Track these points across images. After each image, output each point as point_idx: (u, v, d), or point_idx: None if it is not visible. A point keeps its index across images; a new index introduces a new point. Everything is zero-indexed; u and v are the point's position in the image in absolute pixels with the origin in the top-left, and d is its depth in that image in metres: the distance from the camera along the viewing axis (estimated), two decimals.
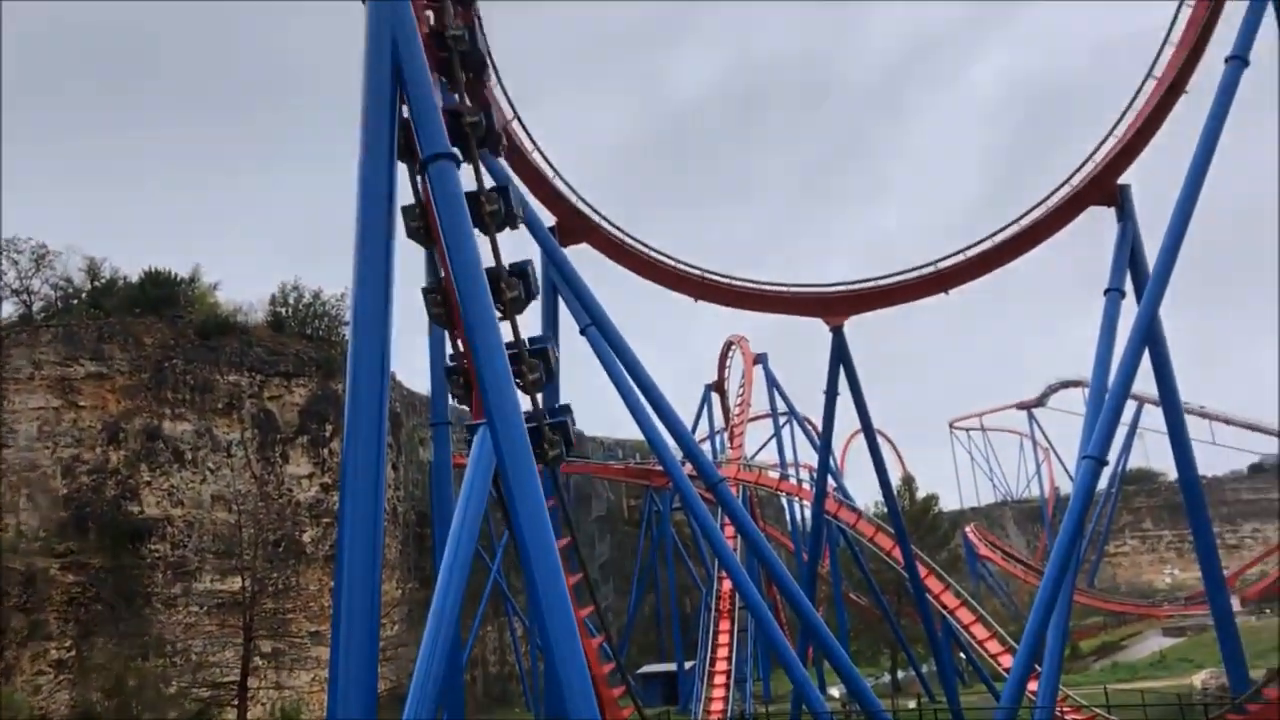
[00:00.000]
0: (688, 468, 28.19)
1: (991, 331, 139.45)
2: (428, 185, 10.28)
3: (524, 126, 23.26)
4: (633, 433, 30.97)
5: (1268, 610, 55.18)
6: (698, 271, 27.29)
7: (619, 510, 57.85)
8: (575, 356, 23.30)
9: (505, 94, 22.36)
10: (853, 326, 27.62)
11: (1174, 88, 22.89)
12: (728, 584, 40.45)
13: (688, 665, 46.88)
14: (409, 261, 11.52)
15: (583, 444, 56.71)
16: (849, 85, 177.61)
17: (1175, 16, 22.83)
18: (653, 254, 26.71)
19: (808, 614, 22.32)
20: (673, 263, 26.98)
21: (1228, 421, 71.38)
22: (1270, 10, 20.57)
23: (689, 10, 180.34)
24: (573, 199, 24.71)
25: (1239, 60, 20.30)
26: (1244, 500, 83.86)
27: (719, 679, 37.56)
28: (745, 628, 40.51)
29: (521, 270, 11.63)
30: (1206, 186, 20.50)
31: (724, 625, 40.54)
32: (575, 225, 24.74)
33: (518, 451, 8.90)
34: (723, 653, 39.04)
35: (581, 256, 24.72)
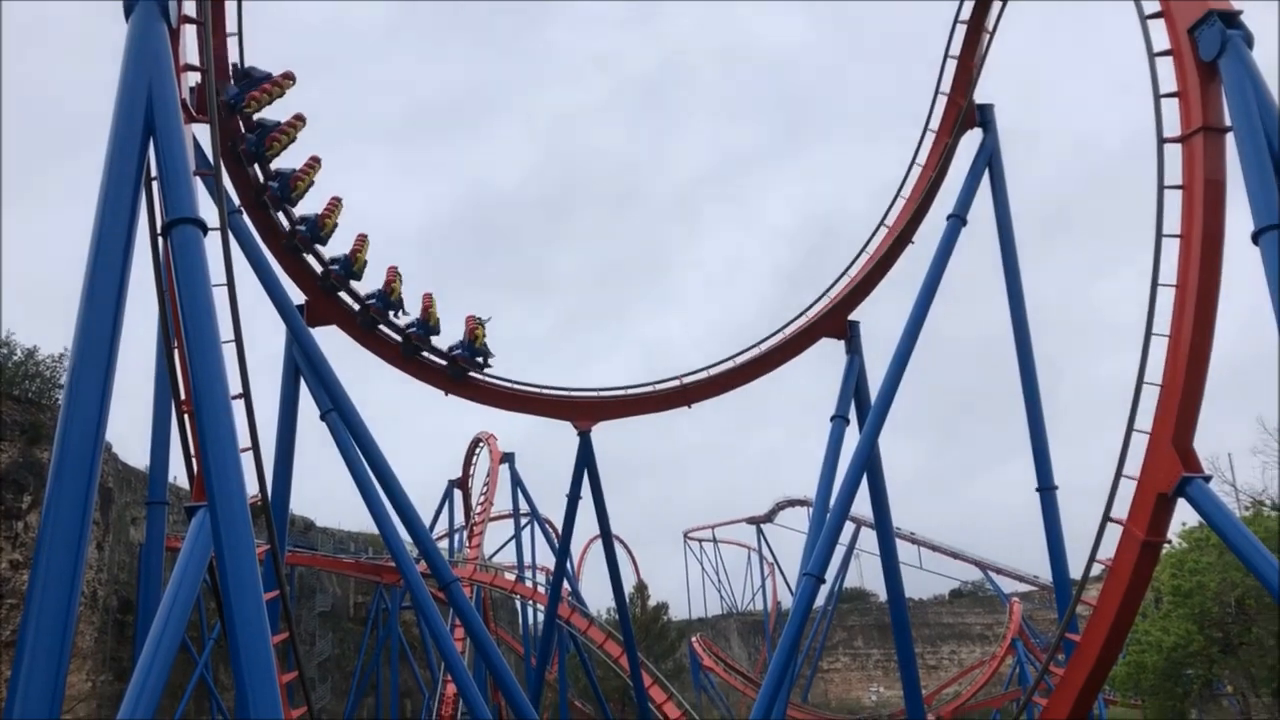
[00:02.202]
0: (422, 565, 27.40)
1: (739, 444, 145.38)
2: (169, 247, 9.75)
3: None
4: (368, 525, 29.90)
5: None
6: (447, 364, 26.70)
7: (345, 606, 55.17)
8: (313, 442, 22.50)
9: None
10: (604, 430, 27.97)
11: (902, 237, 25.08)
12: (452, 688, 39.30)
13: None
14: (135, 321, 10.81)
15: (312, 535, 54.19)
16: (654, 194, 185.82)
17: (906, 175, 25.26)
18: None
19: None
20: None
21: (934, 548, 77.04)
22: (986, 177, 23.09)
23: (510, 98, 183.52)
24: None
25: (958, 219, 22.51)
26: (944, 623, 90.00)
27: None
28: None
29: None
30: (934, 328, 22.37)
31: None
32: (324, 306, 23.95)
33: (238, 537, 8.27)
34: None
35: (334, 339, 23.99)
